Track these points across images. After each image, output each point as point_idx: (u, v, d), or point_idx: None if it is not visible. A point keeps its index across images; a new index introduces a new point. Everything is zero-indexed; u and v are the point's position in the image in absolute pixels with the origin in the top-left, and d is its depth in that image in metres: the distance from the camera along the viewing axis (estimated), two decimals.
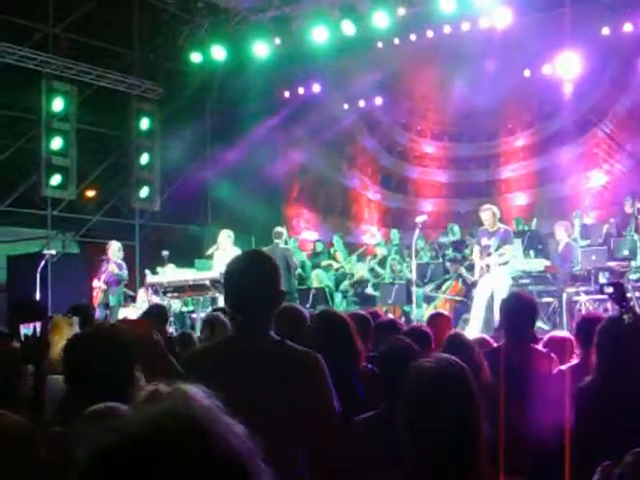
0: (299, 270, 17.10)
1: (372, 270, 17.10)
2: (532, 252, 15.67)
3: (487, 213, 13.08)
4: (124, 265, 15.02)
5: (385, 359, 4.59)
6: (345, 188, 21.61)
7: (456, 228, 16.63)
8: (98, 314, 13.54)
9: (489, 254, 12.88)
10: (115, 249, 14.97)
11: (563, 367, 5.73)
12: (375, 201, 21.43)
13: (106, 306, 14.49)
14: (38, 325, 4.14)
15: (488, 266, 12.91)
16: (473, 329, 11.95)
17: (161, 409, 1.20)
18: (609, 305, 12.45)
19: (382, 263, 16.93)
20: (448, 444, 2.85)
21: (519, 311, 5.91)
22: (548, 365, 5.88)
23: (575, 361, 5.78)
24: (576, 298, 13.77)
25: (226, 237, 14.69)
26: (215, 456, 1.14)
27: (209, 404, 1.28)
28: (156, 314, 8.50)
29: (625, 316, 4.67)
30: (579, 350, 5.88)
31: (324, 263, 17.83)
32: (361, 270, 16.65)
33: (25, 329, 4.20)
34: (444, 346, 5.58)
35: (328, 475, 2.43)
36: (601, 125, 18.25)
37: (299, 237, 20.09)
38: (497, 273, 12.85)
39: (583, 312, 12.21)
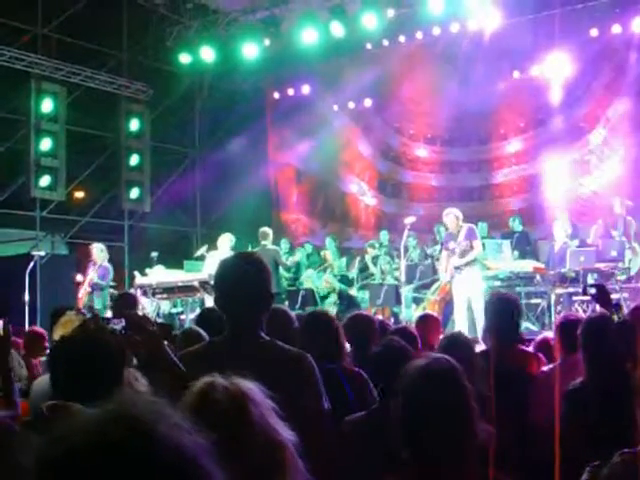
0: (290, 273, 17.11)
1: (363, 269, 17.06)
2: (516, 253, 15.64)
3: (450, 217, 13.21)
4: (109, 269, 14.86)
5: (378, 360, 4.58)
6: (343, 194, 21.53)
7: (442, 229, 16.62)
8: None
9: (455, 254, 12.98)
10: (98, 251, 14.84)
11: (545, 368, 5.74)
12: (372, 206, 21.37)
13: (90, 309, 14.40)
14: (0, 322, 4.21)
15: (457, 268, 13.00)
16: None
17: (104, 414, 1.18)
18: (598, 306, 12.52)
19: (374, 261, 16.88)
20: (438, 442, 2.84)
21: (503, 312, 5.89)
22: (536, 366, 5.88)
23: (556, 363, 5.78)
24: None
25: (227, 241, 14.72)
26: (161, 458, 1.13)
27: (154, 402, 1.26)
28: (123, 301, 8.54)
29: (615, 316, 4.71)
30: (559, 352, 5.87)
31: (311, 270, 17.64)
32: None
33: None
34: (440, 346, 5.58)
35: (318, 475, 2.44)
36: (594, 132, 18.29)
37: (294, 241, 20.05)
38: (468, 276, 12.89)
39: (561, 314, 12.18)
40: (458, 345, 5.21)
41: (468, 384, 3.00)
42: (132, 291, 15.63)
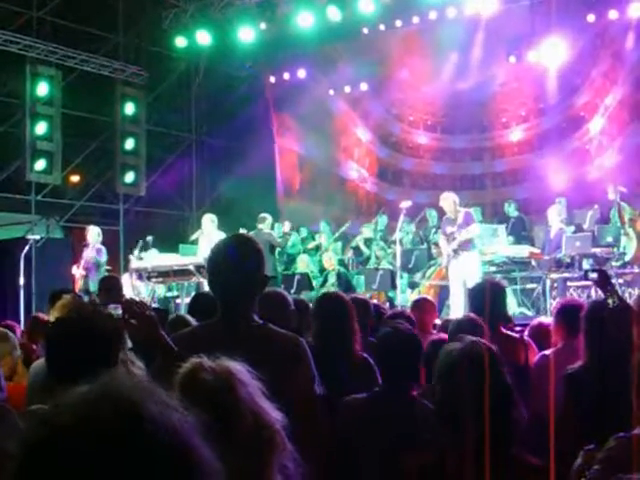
0: (284, 256, 17.11)
1: (356, 248, 17.08)
2: (511, 238, 15.59)
3: (447, 201, 13.14)
4: (103, 250, 14.80)
5: (385, 343, 4.54)
6: (343, 180, 21.44)
7: (434, 213, 16.57)
8: None
9: (454, 239, 12.95)
10: (94, 233, 14.80)
11: (547, 352, 5.71)
12: (373, 193, 21.28)
13: (86, 292, 14.37)
14: None
15: (455, 251, 12.96)
16: (456, 315, 11.97)
17: (90, 394, 1.16)
18: (593, 291, 12.53)
19: (367, 243, 16.88)
20: (476, 425, 2.83)
21: (487, 297, 5.85)
22: (523, 351, 5.84)
23: (559, 346, 5.75)
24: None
25: (209, 221, 14.64)
26: (150, 437, 1.10)
27: (142, 381, 1.25)
28: (106, 284, 8.52)
29: (610, 300, 4.71)
30: (560, 336, 5.84)
31: (310, 246, 17.73)
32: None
33: None
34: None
35: (307, 458, 2.44)
36: (593, 121, 18.26)
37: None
38: (466, 260, 12.87)
39: (560, 299, 12.19)
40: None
41: (502, 366, 3.02)
42: (127, 275, 15.66)
